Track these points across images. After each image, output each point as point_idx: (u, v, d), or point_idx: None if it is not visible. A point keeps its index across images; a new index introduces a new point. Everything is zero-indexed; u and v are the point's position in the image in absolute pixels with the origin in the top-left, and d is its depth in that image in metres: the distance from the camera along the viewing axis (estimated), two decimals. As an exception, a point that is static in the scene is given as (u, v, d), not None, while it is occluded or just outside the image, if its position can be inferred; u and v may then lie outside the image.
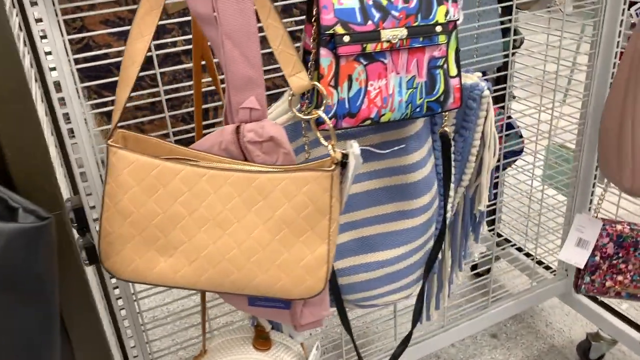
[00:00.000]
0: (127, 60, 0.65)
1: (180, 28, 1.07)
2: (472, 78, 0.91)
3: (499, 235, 1.86)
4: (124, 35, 1.03)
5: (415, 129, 0.86)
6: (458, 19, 0.77)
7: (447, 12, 0.76)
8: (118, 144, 0.68)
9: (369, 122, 0.77)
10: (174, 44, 1.05)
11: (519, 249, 1.81)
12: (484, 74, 1.60)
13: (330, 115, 0.75)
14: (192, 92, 0.99)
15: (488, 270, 1.87)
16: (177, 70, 1.05)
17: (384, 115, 0.77)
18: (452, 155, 0.94)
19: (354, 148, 0.69)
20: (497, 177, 1.83)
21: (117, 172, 0.66)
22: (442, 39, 0.76)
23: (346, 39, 0.72)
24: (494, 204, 1.86)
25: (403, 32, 0.75)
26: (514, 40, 1.58)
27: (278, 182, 0.68)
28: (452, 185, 0.95)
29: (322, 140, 0.70)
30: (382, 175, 0.89)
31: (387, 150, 0.87)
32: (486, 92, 0.89)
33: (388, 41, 0.74)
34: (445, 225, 0.96)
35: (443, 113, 0.83)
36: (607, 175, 1.12)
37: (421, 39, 0.76)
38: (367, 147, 0.86)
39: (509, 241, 1.90)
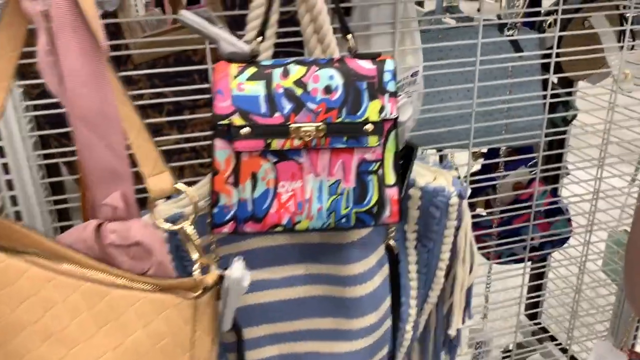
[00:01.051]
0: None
1: (148, 80, 0.98)
2: (441, 177, 0.74)
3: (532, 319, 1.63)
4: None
5: (359, 234, 0.70)
6: (397, 117, 0.62)
7: (382, 109, 0.61)
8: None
9: (280, 228, 0.63)
10: (140, 97, 0.97)
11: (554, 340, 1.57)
12: (531, 150, 1.40)
13: (227, 218, 0.62)
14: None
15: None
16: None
17: (298, 222, 0.63)
18: (415, 267, 0.77)
19: (234, 269, 0.55)
20: (544, 266, 1.60)
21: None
22: (372, 140, 0.61)
23: (245, 131, 0.59)
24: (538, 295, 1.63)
25: (320, 128, 0.60)
26: (564, 118, 1.36)
27: (133, 300, 0.55)
28: (412, 302, 0.78)
29: (192, 254, 0.56)
30: (319, 281, 0.74)
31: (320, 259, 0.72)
32: (454, 200, 0.72)
33: (300, 138, 0.60)
34: (399, 350, 0.79)
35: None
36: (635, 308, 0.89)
37: (345, 139, 0.61)
38: (302, 243, 0.72)
39: (546, 330, 1.66)
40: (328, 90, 0.61)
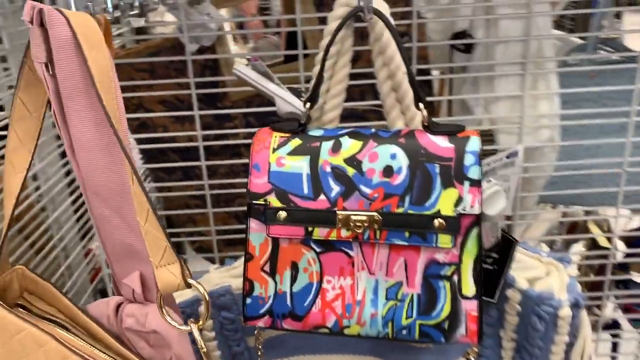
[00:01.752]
0: (5, 194, 0.53)
1: (243, 117, 0.92)
2: (554, 276, 0.57)
3: None
4: (181, 118, 0.93)
5: (433, 340, 0.57)
6: (479, 213, 0.47)
7: (458, 200, 0.47)
8: (10, 284, 0.57)
9: (324, 330, 0.52)
10: (235, 135, 0.91)
11: None
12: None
13: (262, 312, 0.52)
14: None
15: None
16: (235, 163, 0.91)
17: (347, 327, 0.51)
18: (511, 381, 0.61)
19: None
20: None
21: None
22: (444, 240, 0.47)
23: (282, 215, 0.49)
24: None
25: (375, 219, 0.48)
26: None
27: (142, 400, 0.48)
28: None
29: (206, 361, 0.47)
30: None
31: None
32: (565, 311, 0.55)
33: (349, 229, 0.48)
34: None
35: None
36: None
37: (407, 235, 0.48)
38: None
39: None
40: (388, 172, 0.48)
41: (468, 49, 0.86)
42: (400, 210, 0.48)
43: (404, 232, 0.48)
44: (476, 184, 0.47)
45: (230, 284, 0.60)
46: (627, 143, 0.86)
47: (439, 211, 0.47)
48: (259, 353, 0.62)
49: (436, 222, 0.47)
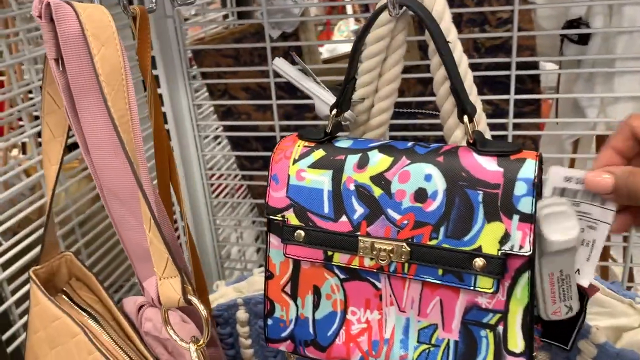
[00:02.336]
0: (46, 185, 0.53)
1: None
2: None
3: None
4: (263, 106, 0.90)
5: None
6: (531, 252, 0.38)
7: (504, 237, 0.38)
8: (58, 269, 0.58)
9: None
10: (315, 126, 0.87)
11: None
12: None
13: (284, 335, 0.48)
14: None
15: None
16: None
17: None
18: None
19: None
20: None
21: (32, 305, 0.57)
22: (484, 283, 0.39)
23: (300, 235, 0.44)
24: None
25: (402, 250, 0.41)
26: None
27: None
28: None
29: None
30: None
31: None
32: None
33: (373, 258, 0.42)
34: None
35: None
36: None
37: (440, 273, 0.40)
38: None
39: None
40: (421, 196, 0.40)
41: (583, 39, 0.73)
42: (434, 242, 0.40)
43: (436, 269, 0.40)
44: (528, 219, 0.38)
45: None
46: None
47: (479, 248, 0.39)
48: None
49: (476, 261, 0.39)
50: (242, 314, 0.56)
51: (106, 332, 0.52)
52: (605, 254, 0.91)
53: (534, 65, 0.77)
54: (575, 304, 0.40)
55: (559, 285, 0.39)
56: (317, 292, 0.45)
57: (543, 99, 0.85)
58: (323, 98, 0.47)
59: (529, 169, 0.38)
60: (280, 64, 0.49)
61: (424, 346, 0.43)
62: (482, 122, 0.45)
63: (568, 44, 0.75)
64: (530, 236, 0.38)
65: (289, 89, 0.87)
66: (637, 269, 0.99)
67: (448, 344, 0.42)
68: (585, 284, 0.40)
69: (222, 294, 0.58)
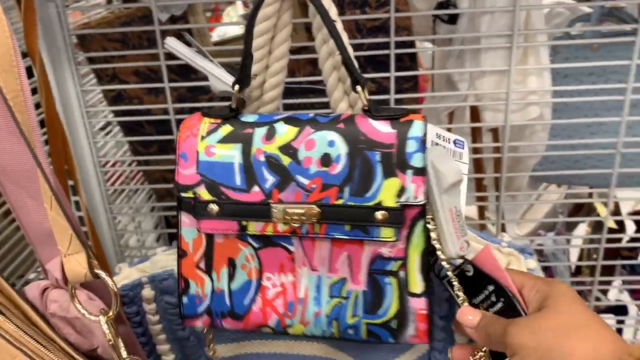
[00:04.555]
0: None
1: (218, 90, 0.89)
2: (510, 266, 0.54)
3: None
4: (155, 90, 0.90)
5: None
6: (425, 202, 0.43)
7: (401, 190, 0.43)
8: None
9: (267, 330, 0.50)
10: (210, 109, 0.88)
11: None
12: None
13: (200, 311, 0.50)
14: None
15: None
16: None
17: (290, 326, 0.49)
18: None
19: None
20: None
21: None
22: (386, 233, 0.44)
23: (213, 209, 0.46)
24: None
25: (313, 212, 0.45)
26: None
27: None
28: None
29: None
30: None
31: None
32: (516, 310, 0.51)
33: (286, 223, 0.45)
34: None
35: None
36: None
37: (348, 228, 0.44)
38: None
39: None
40: (326, 160, 0.45)
41: (452, 19, 0.81)
42: (340, 202, 0.44)
43: (344, 226, 0.44)
44: (420, 172, 0.43)
45: (174, 267, 0.58)
46: (623, 122, 0.80)
47: (380, 202, 0.44)
48: (210, 336, 0.60)
49: (378, 214, 0.43)
50: (147, 292, 0.57)
51: (8, 319, 0.52)
52: (481, 214, 1.01)
53: (411, 44, 0.84)
54: (467, 238, 0.46)
55: (457, 221, 0.45)
56: (232, 264, 0.48)
57: (420, 75, 0.92)
58: (218, 76, 0.49)
59: (417, 129, 0.43)
60: (173, 44, 0.50)
61: (336, 300, 0.47)
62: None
63: (440, 24, 0.83)
64: (423, 188, 0.43)
65: (181, 72, 0.87)
66: (509, 225, 1.11)
67: (357, 295, 0.46)
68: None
69: (126, 275, 0.58)
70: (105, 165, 0.92)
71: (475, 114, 0.89)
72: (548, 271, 1.12)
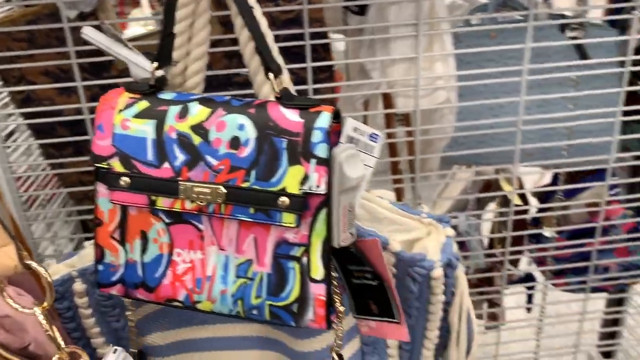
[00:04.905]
0: None
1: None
2: (433, 237, 0.58)
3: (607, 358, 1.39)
4: (67, 90, 0.87)
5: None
6: (327, 192, 0.46)
7: (305, 179, 0.46)
8: None
9: (178, 304, 0.51)
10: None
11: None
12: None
13: (114, 279, 0.50)
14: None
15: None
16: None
17: (199, 302, 0.50)
18: (395, 343, 0.62)
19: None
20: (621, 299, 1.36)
21: None
22: (288, 219, 0.46)
23: (125, 182, 0.47)
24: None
25: (219, 192, 0.46)
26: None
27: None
28: (392, 384, 0.63)
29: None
30: (273, 348, 0.61)
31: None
32: (437, 272, 0.55)
33: (193, 201, 0.47)
34: None
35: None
36: None
37: (252, 211, 0.46)
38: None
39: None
40: (235, 143, 0.46)
41: (362, 10, 0.85)
42: (246, 184, 0.46)
43: (248, 208, 0.46)
44: (323, 162, 0.45)
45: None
46: (521, 102, 0.87)
47: (284, 188, 0.45)
48: (133, 327, 0.60)
49: (281, 200, 0.45)
50: (78, 286, 0.56)
51: None
52: (398, 197, 1.06)
53: (324, 35, 0.87)
54: (354, 230, 0.49)
55: (349, 216, 0.47)
56: (144, 237, 0.49)
57: (335, 66, 0.95)
58: (138, 62, 0.49)
59: (324, 120, 0.45)
60: (90, 33, 0.50)
61: (241, 280, 0.48)
62: (286, 77, 0.52)
63: (350, 15, 0.86)
64: (325, 177, 0.45)
65: (93, 70, 0.85)
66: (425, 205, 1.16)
67: (262, 276, 0.48)
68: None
69: (54, 271, 0.57)
70: (18, 171, 0.88)
71: (388, 100, 0.94)
72: (463, 246, 1.19)
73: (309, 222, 0.46)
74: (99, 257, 0.50)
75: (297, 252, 0.47)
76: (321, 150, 0.45)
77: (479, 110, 0.98)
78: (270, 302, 0.48)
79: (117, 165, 0.47)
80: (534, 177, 1.33)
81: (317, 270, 0.47)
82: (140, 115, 0.47)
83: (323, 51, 0.87)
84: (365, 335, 0.60)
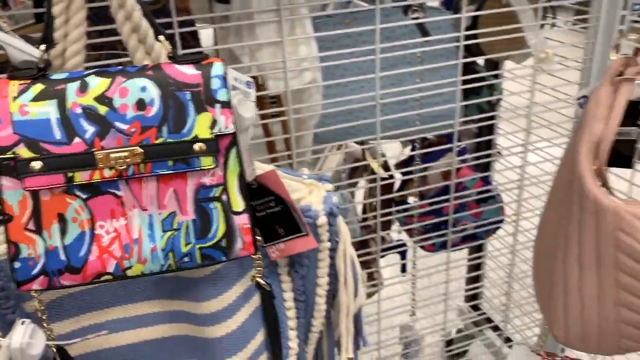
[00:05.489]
0: None
1: None
2: (315, 193, 0.64)
3: (475, 309, 1.56)
4: None
5: (212, 267, 0.60)
6: (234, 132, 0.51)
7: (213, 123, 0.50)
8: None
9: (107, 277, 0.52)
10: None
11: (495, 328, 1.51)
12: (459, 139, 1.33)
13: (35, 272, 0.51)
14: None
15: (464, 352, 1.58)
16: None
17: (129, 268, 0.52)
18: (291, 295, 0.67)
19: (13, 338, 0.45)
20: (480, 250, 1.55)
21: None
22: (206, 162, 0.51)
23: (37, 165, 0.48)
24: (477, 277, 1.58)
25: (136, 152, 0.49)
26: (489, 102, 1.28)
27: None
28: (292, 334, 0.69)
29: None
30: (178, 319, 0.64)
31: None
32: (322, 220, 0.62)
33: (112, 168, 0.49)
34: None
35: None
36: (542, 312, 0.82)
37: (171, 163, 0.50)
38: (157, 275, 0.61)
39: (489, 320, 1.60)
40: (141, 105, 0.49)
41: (226, -1, 0.89)
42: (160, 140, 0.49)
43: (167, 161, 0.50)
44: (226, 105, 0.50)
45: (-7, 253, 0.57)
46: (377, 78, 0.97)
47: (196, 136, 0.50)
48: (43, 317, 0.59)
49: (196, 146, 0.50)
50: None
51: None
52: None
53: (192, 24, 0.90)
54: (254, 165, 0.55)
55: (248, 154, 0.53)
56: (62, 219, 0.50)
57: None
58: (17, 45, 0.50)
59: (218, 69, 0.51)
60: (-40, 17, 0.49)
61: (169, 233, 0.52)
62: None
63: (215, 3, 0.91)
64: (231, 118, 0.50)
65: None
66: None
67: (188, 224, 0.52)
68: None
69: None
70: None
71: (258, 83, 0.99)
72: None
73: (223, 162, 0.51)
74: (14, 254, 0.49)
75: (216, 192, 0.51)
76: (222, 95, 0.50)
77: (343, 91, 1.07)
78: (200, 245, 0.52)
79: (24, 152, 0.48)
80: (396, 152, 1.47)
81: (238, 203, 0.52)
82: (38, 98, 0.48)
83: (192, 39, 0.90)
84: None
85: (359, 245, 1.29)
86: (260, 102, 1.04)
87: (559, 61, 1.13)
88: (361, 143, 1.30)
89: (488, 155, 1.29)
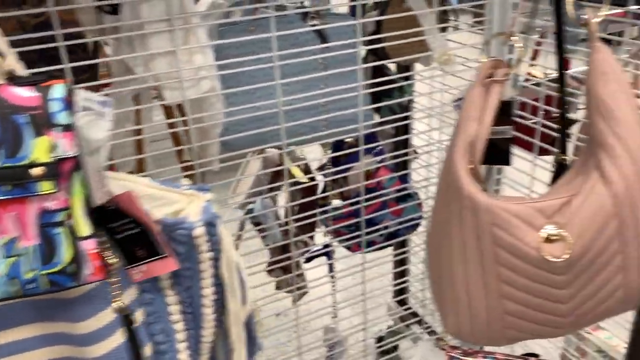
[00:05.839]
0: None
1: None
2: (194, 204, 0.64)
3: (402, 305, 1.59)
4: None
5: (82, 289, 0.59)
6: (77, 155, 0.50)
7: (53, 147, 0.49)
8: None
9: None
10: None
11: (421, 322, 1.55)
12: (375, 139, 1.35)
13: None
14: None
15: (395, 348, 1.61)
16: None
17: None
18: (177, 308, 0.67)
19: None
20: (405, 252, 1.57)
21: None
22: (46, 187, 0.49)
23: None
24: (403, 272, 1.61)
25: None
26: (399, 104, 1.31)
27: None
28: (181, 346, 0.68)
29: None
30: (58, 341, 0.62)
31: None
32: (198, 231, 0.62)
33: None
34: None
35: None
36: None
37: (9, 188, 0.49)
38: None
39: (416, 315, 1.63)
40: None
41: (115, 11, 0.88)
42: None
43: (5, 186, 0.48)
44: (68, 128, 0.49)
45: None
46: (277, 85, 0.98)
47: (35, 160, 0.49)
48: None
49: (33, 170, 0.48)
50: None
51: None
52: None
53: (80, 36, 0.88)
54: (107, 189, 0.54)
55: (100, 176, 0.52)
56: None
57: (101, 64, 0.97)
58: None
59: (59, 91, 0.50)
60: None
61: (11, 259, 0.50)
62: (12, 60, 0.53)
63: (104, 15, 0.89)
64: (73, 142, 0.49)
65: None
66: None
67: (31, 250, 0.50)
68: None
69: None
70: None
71: (159, 93, 0.98)
72: (262, 227, 1.28)
73: (66, 186, 0.50)
74: None
75: (60, 217, 0.50)
76: (63, 118, 0.49)
77: (250, 98, 1.07)
78: (44, 272, 0.50)
79: None
80: (318, 156, 1.48)
81: (83, 227, 0.50)
82: None
83: (81, 52, 0.88)
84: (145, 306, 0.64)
85: (281, 250, 1.30)
86: (167, 112, 1.03)
87: (461, 62, 1.17)
88: (280, 148, 1.31)
89: (405, 155, 1.32)
